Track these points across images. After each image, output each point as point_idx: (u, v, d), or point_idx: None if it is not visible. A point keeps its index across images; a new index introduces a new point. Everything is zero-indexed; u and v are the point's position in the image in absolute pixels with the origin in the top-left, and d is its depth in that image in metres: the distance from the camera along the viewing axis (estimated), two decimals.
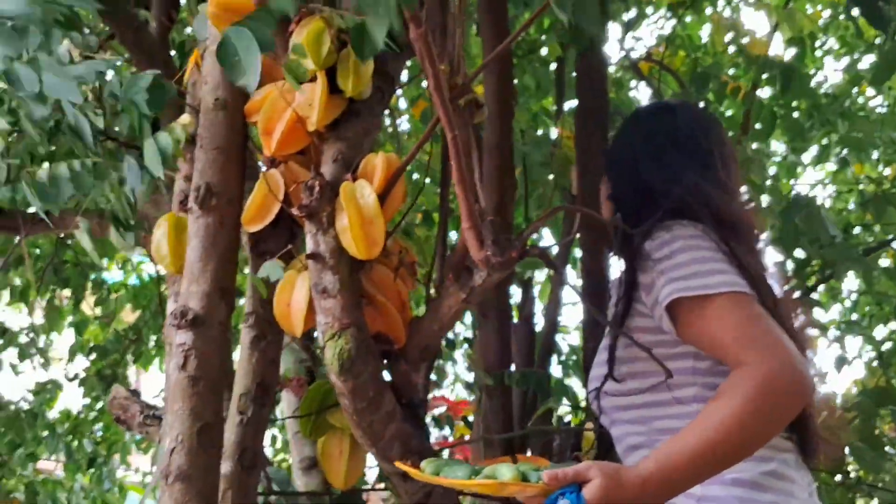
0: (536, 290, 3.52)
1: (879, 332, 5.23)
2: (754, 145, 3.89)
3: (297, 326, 1.74)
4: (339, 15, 1.68)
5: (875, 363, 4.50)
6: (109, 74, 1.86)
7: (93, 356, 4.32)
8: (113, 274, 4.89)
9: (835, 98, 4.35)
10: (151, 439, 2.41)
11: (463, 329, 3.36)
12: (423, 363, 1.82)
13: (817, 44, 5.00)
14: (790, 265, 3.11)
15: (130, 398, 2.44)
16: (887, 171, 5.40)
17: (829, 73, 8.00)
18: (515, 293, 3.12)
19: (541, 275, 3.88)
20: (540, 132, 3.66)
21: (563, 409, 2.59)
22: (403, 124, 4.24)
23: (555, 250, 2.77)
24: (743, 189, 2.09)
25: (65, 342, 4.78)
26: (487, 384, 2.35)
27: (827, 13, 4.87)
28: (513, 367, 2.54)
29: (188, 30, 3.01)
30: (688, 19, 4.50)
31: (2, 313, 4.83)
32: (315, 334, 2.55)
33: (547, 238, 3.96)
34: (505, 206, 2.31)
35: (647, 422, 1.68)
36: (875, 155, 5.06)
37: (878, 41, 4.27)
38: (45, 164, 1.82)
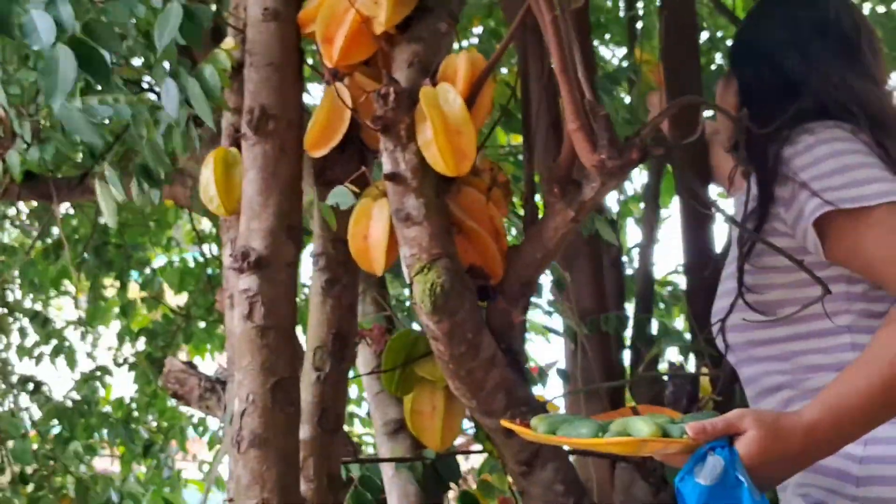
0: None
1: None
2: None
3: (378, 262, 1.49)
4: None
5: None
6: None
7: (141, 340, 4.13)
8: (158, 262, 4.67)
9: None
10: (213, 413, 2.20)
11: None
12: (524, 300, 1.56)
13: None
14: None
15: (187, 370, 2.27)
16: None
17: None
18: None
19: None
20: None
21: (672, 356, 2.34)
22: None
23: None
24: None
25: (111, 329, 4.61)
26: (584, 332, 2.10)
27: None
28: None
29: None
30: None
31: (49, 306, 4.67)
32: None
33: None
34: None
35: (790, 357, 1.45)
36: None
37: None
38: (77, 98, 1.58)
